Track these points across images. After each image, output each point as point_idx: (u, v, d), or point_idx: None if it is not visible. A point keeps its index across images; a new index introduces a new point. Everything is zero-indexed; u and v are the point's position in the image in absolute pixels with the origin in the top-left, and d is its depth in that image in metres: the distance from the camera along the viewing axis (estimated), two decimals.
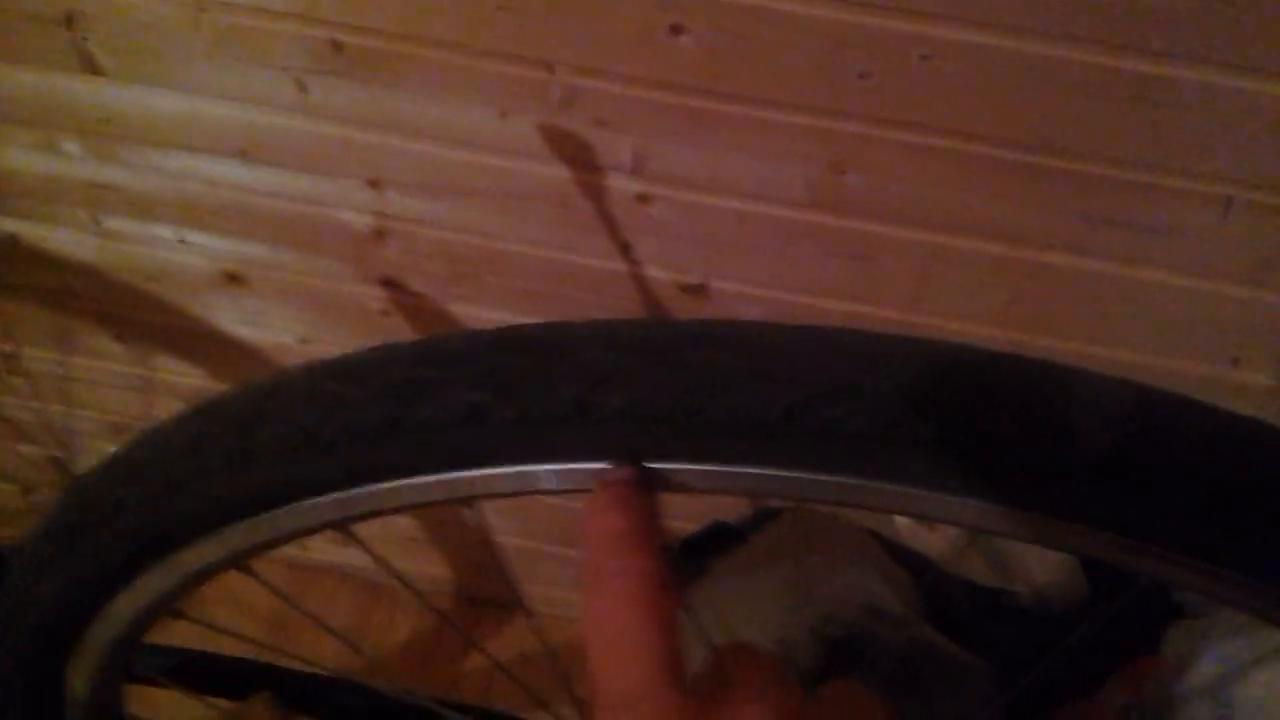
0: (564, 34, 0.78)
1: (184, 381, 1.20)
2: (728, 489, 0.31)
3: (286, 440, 0.32)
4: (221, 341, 1.13)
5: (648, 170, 0.86)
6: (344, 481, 0.33)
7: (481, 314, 1.03)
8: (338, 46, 0.82)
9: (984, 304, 0.89)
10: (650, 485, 0.30)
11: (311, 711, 0.61)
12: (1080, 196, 0.80)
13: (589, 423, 0.30)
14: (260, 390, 0.33)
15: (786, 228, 0.86)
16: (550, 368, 0.30)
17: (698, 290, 0.94)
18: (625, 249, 0.93)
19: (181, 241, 1.03)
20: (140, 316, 1.12)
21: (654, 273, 0.94)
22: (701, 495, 0.32)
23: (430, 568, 1.46)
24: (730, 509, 0.84)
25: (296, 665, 0.60)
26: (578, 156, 0.86)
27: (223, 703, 0.61)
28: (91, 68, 0.88)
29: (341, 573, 1.52)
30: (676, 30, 0.76)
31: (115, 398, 1.26)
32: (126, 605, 0.38)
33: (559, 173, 0.88)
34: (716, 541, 0.76)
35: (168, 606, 0.39)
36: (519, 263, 0.96)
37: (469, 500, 0.34)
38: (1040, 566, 0.84)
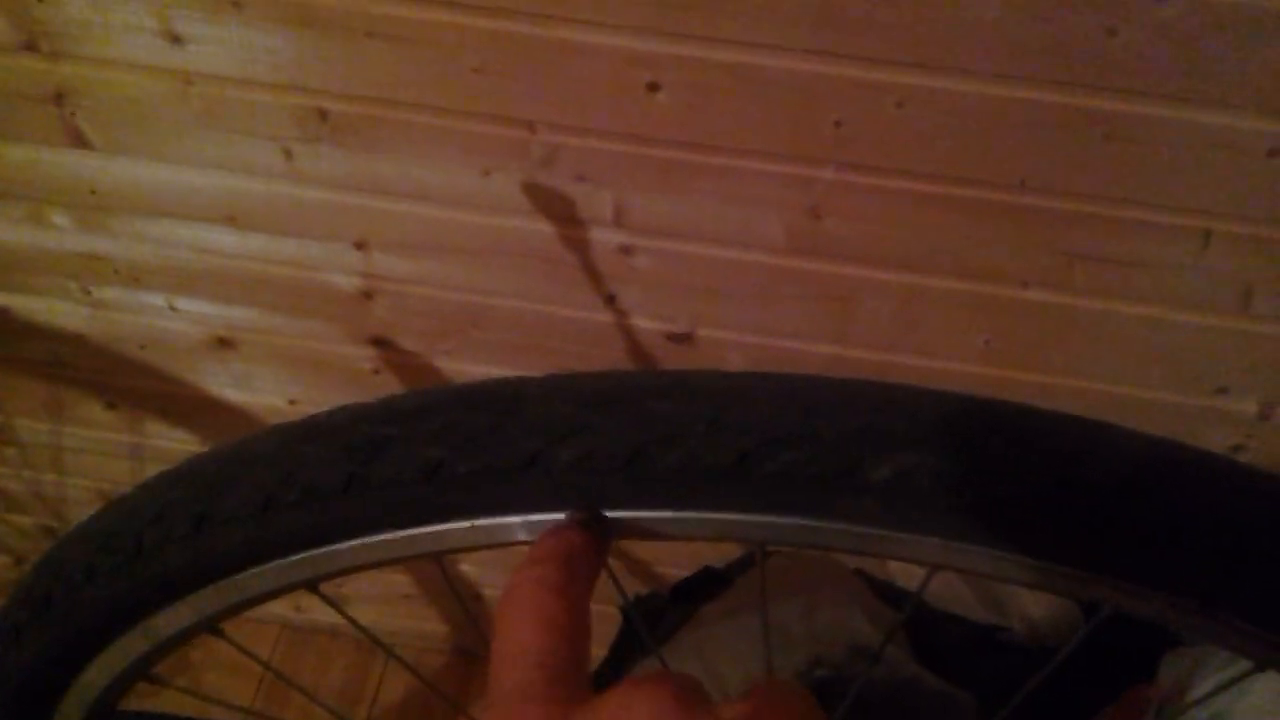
0: (542, 93, 0.79)
1: (176, 447, 1.21)
2: (687, 535, 0.31)
3: (252, 502, 0.33)
4: (213, 406, 1.14)
5: (629, 222, 0.87)
6: (309, 541, 0.33)
7: (471, 369, 1.03)
8: (323, 114, 0.84)
9: (965, 342, 0.89)
10: (603, 530, 0.31)
11: None
12: (1058, 234, 0.81)
13: (546, 474, 0.30)
14: (224, 455, 0.34)
15: (767, 274, 0.87)
16: (507, 422, 0.30)
17: (684, 338, 0.95)
18: (610, 300, 0.94)
19: (172, 308, 1.04)
20: (131, 384, 1.13)
21: (640, 322, 0.95)
22: (666, 541, 0.32)
23: (424, 624, 1.45)
24: (720, 554, 0.84)
25: None
26: (560, 211, 0.87)
27: None
28: (80, 142, 0.89)
29: (336, 632, 1.51)
30: (653, 87, 0.77)
31: (107, 465, 1.26)
32: (100, 673, 0.38)
33: (542, 228, 0.89)
34: (704, 587, 0.75)
35: (142, 673, 0.39)
36: (506, 317, 0.97)
37: (438, 555, 0.34)
38: (1035, 601, 0.83)
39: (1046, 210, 0.80)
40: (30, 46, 0.83)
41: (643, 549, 1.20)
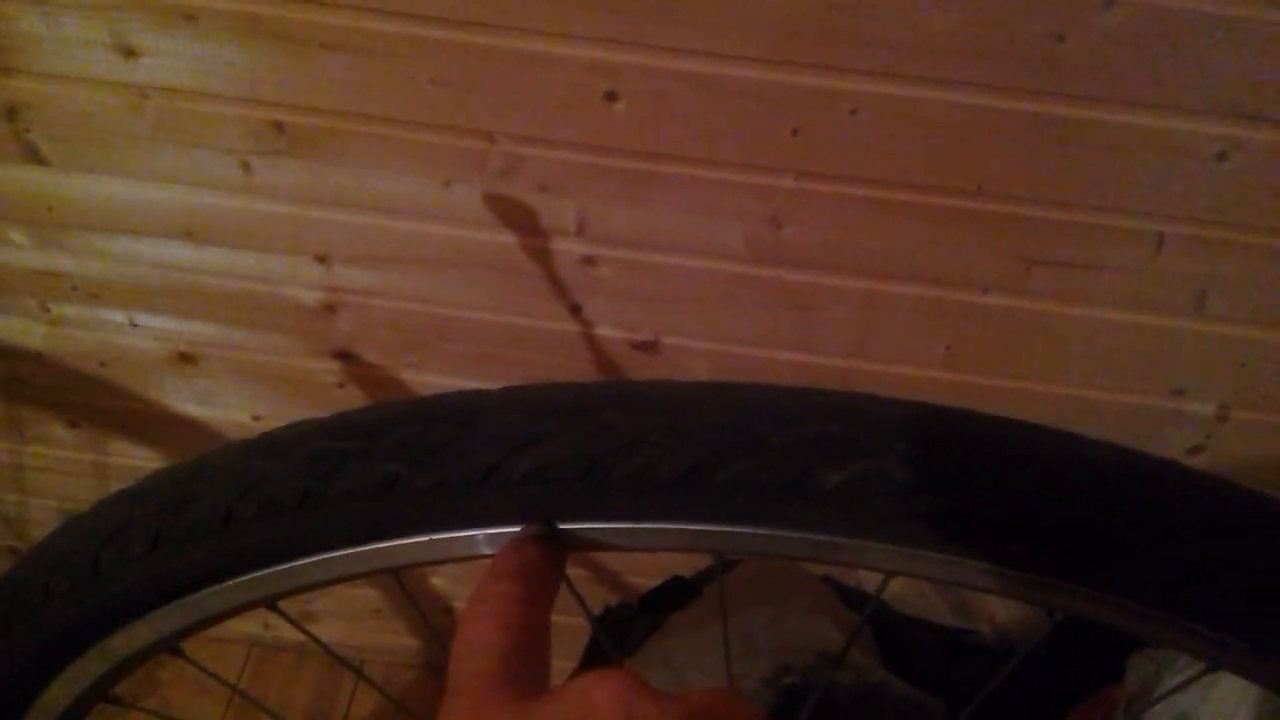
0: (501, 105, 0.79)
1: (139, 464, 1.19)
2: (644, 545, 0.31)
3: (209, 520, 0.33)
4: (175, 422, 1.12)
5: (591, 232, 0.87)
6: (267, 558, 0.33)
7: (437, 381, 1.03)
8: (279, 127, 0.83)
9: (926, 347, 0.90)
10: (560, 544, 0.31)
11: None
12: (1014, 238, 0.82)
13: (501, 487, 0.30)
14: (179, 473, 0.34)
15: (729, 282, 0.88)
16: (463, 435, 0.31)
17: (649, 347, 0.95)
18: (575, 310, 0.94)
19: (132, 324, 1.03)
20: (93, 401, 1.12)
21: (604, 332, 0.95)
22: (624, 553, 0.32)
23: (395, 639, 1.44)
24: (689, 564, 0.84)
25: None
26: (522, 222, 0.88)
27: None
28: (35, 158, 0.88)
29: (303, 650, 1.49)
30: (611, 97, 0.78)
31: (70, 484, 1.24)
32: (60, 693, 0.38)
33: (505, 239, 0.89)
34: (673, 596, 0.76)
35: (103, 693, 0.39)
36: (471, 328, 0.97)
37: (396, 570, 0.34)
38: (1001, 605, 0.84)
39: (1003, 215, 0.81)
40: None
41: (611, 559, 1.20)
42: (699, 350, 0.95)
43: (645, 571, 1.21)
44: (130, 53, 0.80)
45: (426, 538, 0.32)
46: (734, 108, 0.77)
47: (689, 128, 0.78)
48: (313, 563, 0.33)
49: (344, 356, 1.03)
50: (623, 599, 0.98)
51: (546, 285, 0.92)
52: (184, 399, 1.11)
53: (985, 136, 0.76)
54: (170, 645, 0.37)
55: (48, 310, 1.03)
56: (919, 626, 0.82)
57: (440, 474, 0.30)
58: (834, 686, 0.59)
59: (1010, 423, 0.30)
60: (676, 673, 0.62)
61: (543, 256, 0.90)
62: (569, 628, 0.52)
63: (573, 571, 0.32)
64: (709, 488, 0.30)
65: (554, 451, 0.30)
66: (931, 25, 0.71)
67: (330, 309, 0.98)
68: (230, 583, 0.34)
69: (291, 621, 0.38)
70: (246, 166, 0.86)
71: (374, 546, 0.32)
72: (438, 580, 1.34)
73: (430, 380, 1.03)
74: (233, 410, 1.11)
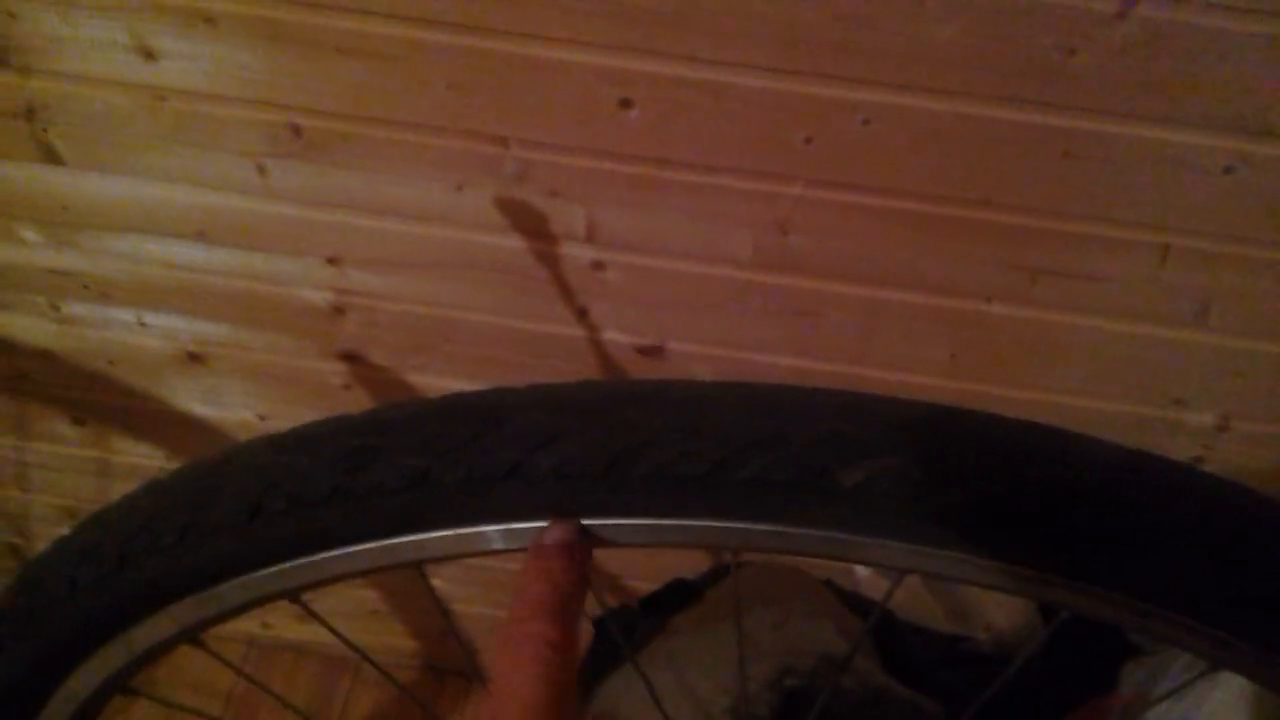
0: (515, 110, 0.80)
1: (143, 463, 1.20)
2: (665, 542, 0.32)
3: (238, 512, 0.33)
4: (182, 421, 1.13)
5: (600, 237, 0.88)
6: (294, 551, 0.34)
7: (442, 384, 1.04)
8: (296, 130, 0.84)
9: (929, 355, 0.91)
10: (584, 545, 0.31)
11: None
12: (1019, 249, 0.83)
13: (525, 483, 0.31)
14: (209, 466, 0.34)
15: (735, 288, 0.89)
16: (488, 432, 0.31)
17: (654, 351, 0.96)
18: (582, 314, 0.94)
19: (141, 323, 1.03)
20: (99, 399, 1.12)
21: (611, 336, 0.96)
22: (644, 549, 0.33)
23: (393, 639, 1.44)
24: (691, 566, 0.85)
25: None
26: (532, 226, 0.88)
27: None
28: (51, 157, 0.89)
29: (301, 649, 1.50)
30: (625, 104, 0.78)
31: (73, 482, 1.25)
32: (80, 684, 0.39)
33: (514, 243, 0.89)
34: (675, 598, 0.76)
35: (121, 684, 0.39)
36: (478, 331, 0.98)
37: (419, 564, 0.35)
38: (998, 612, 0.85)
39: (1009, 226, 0.82)
40: (0, 61, 0.82)
41: (612, 562, 1.21)
42: (703, 355, 0.95)
43: (644, 575, 1.21)
44: (149, 55, 0.80)
45: (451, 532, 0.32)
46: (747, 116, 0.77)
47: (701, 135, 0.79)
48: (338, 555, 0.34)
49: (350, 358, 1.04)
50: (622, 602, 0.99)
51: (554, 289, 0.93)
52: (190, 398, 1.11)
53: (995, 148, 0.77)
54: (192, 636, 0.38)
55: (57, 308, 1.04)
56: (917, 633, 0.83)
57: (466, 470, 0.31)
58: (837, 690, 0.60)
59: (1025, 424, 0.31)
60: (679, 674, 0.62)
61: (551, 261, 0.91)
62: None
63: None
64: (730, 485, 0.30)
65: (576, 448, 0.31)
66: (944, 37, 0.72)
67: (339, 310, 0.98)
68: (256, 574, 0.35)
69: (313, 614, 0.39)
70: (261, 169, 0.87)
71: (399, 540, 0.33)
72: (437, 582, 1.34)
73: (435, 383, 1.04)
74: (239, 410, 1.12)
